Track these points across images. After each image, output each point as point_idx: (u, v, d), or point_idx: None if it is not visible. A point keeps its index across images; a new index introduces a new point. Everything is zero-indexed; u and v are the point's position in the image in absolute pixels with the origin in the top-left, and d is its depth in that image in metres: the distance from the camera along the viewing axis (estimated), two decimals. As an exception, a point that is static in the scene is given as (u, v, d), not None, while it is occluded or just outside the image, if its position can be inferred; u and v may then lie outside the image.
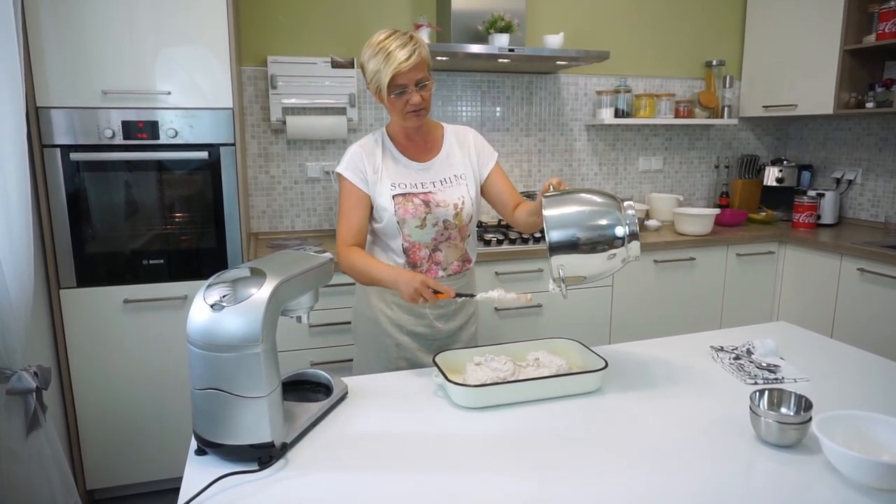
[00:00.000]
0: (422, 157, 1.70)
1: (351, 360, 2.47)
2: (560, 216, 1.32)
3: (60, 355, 2.23)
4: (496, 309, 2.67)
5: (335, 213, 2.87)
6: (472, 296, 1.51)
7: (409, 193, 1.64)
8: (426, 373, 1.46)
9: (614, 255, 1.32)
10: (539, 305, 2.72)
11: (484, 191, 1.78)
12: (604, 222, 1.31)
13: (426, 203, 1.65)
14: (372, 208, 1.67)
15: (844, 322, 2.80)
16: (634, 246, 1.32)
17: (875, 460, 0.97)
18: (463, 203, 1.68)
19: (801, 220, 3.24)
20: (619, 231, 1.31)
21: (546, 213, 1.32)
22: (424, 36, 2.69)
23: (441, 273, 1.71)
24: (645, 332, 2.88)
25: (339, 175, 1.67)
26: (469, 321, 1.82)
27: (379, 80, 1.53)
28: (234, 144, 2.29)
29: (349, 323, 2.44)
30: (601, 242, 1.31)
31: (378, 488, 1.02)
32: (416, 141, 1.71)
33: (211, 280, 1.11)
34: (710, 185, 3.73)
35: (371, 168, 1.65)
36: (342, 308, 2.45)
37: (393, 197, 1.63)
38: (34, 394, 1.67)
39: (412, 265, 1.69)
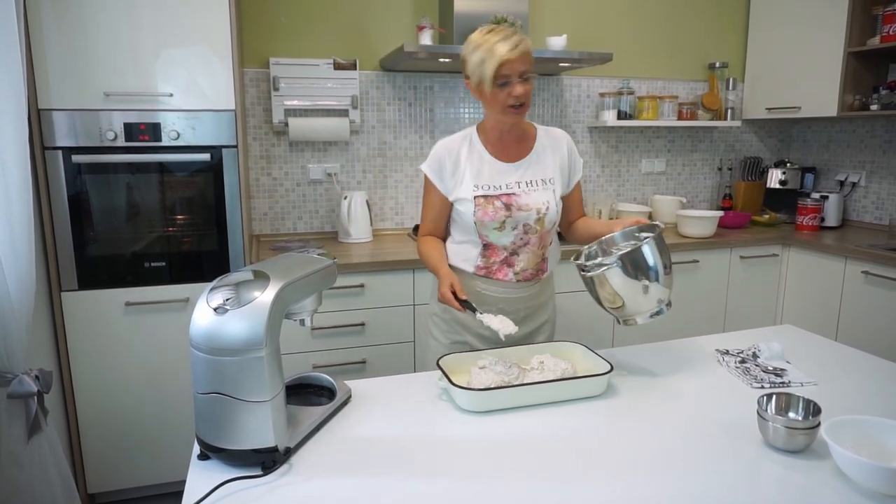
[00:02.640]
0: (511, 157, 1.67)
1: (355, 362, 2.48)
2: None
3: (62, 358, 2.23)
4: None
5: (337, 216, 2.87)
6: (475, 311, 1.51)
7: (491, 196, 1.62)
8: (430, 376, 1.45)
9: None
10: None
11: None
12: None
13: (507, 206, 1.62)
14: (452, 205, 1.68)
15: (849, 325, 2.78)
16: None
17: (885, 466, 0.96)
18: (547, 209, 1.65)
19: (804, 223, 3.23)
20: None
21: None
22: (427, 37, 2.69)
23: (511, 276, 1.68)
24: (648, 334, 2.86)
25: (423, 170, 1.70)
26: (542, 327, 1.80)
27: (482, 72, 1.50)
28: (236, 146, 2.29)
29: (352, 325, 2.45)
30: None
31: (382, 493, 1.01)
32: (508, 140, 1.67)
33: (214, 283, 1.11)
34: (712, 188, 3.72)
35: (452, 168, 1.64)
36: (344, 311, 2.44)
37: (474, 198, 1.62)
38: (35, 398, 1.66)
39: (485, 258, 1.67)
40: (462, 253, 1.70)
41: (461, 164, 1.64)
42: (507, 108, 1.55)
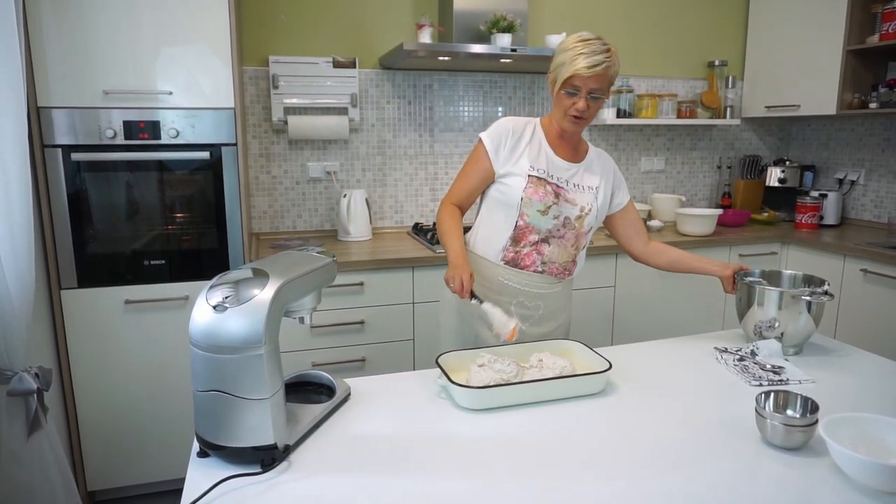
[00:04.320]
0: (567, 157, 1.73)
1: (354, 360, 2.49)
2: None
3: (61, 356, 2.23)
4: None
5: (336, 214, 2.87)
6: (480, 301, 1.52)
7: (544, 180, 1.66)
8: (430, 374, 1.46)
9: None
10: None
11: (617, 222, 1.82)
12: None
13: (556, 194, 1.66)
14: (492, 183, 1.71)
15: (847, 323, 2.79)
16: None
17: (882, 463, 0.96)
18: (590, 210, 1.70)
19: (803, 221, 3.23)
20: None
21: None
22: (426, 36, 2.69)
23: (539, 266, 1.70)
24: (647, 333, 2.87)
25: (479, 138, 1.71)
26: (555, 331, 1.81)
27: (557, 75, 1.58)
28: (235, 144, 2.29)
29: (351, 324, 2.45)
30: None
31: (381, 490, 1.01)
32: (565, 143, 1.73)
33: (213, 281, 1.11)
34: (712, 186, 3.73)
35: (512, 144, 1.68)
36: (344, 309, 2.44)
37: (528, 177, 1.65)
38: (35, 395, 1.66)
39: (515, 242, 1.69)
40: (490, 239, 1.72)
41: (521, 144, 1.69)
42: (567, 115, 1.61)
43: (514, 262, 1.70)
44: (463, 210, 1.75)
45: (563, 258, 1.72)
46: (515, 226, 1.67)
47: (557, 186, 1.67)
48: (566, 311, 1.85)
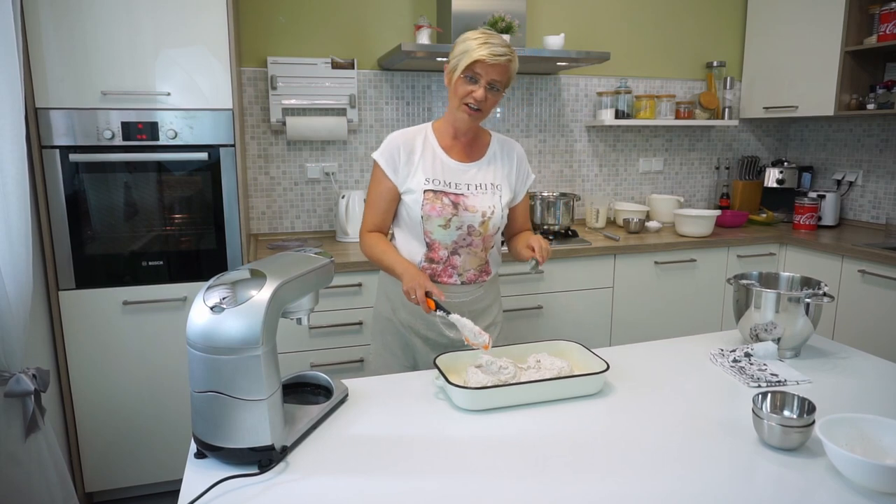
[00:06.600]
0: (463, 158, 1.70)
1: (353, 361, 2.49)
2: None
3: (59, 357, 2.23)
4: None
5: (335, 215, 2.87)
6: (447, 312, 1.49)
7: (441, 192, 1.64)
8: (427, 375, 1.46)
9: None
10: (540, 307, 2.71)
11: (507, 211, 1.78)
12: None
13: (455, 205, 1.64)
14: (400, 199, 1.68)
15: (845, 324, 2.79)
16: None
17: (879, 464, 0.97)
18: (493, 212, 1.68)
19: (801, 222, 3.23)
20: None
21: None
22: (424, 37, 2.69)
23: (456, 279, 1.70)
24: (646, 333, 2.87)
25: (374, 159, 1.69)
26: (486, 330, 1.77)
27: (459, 61, 1.55)
28: (233, 145, 2.29)
29: (349, 324, 2.45)
30: None
31: (379, 491, 1.01)
32: (461, 141, 1.70)
33: (211, 282, 1.11)
34: (710, 187, 3.73)
35: (406, 158, 1.65)
36: (342, 310, 2.44)
37: (424, 192, 1.63)
38: (33, 396, 1.66)
39: (430, 260, 1.69)
40: (407, 257, 1.70)
41: (415, 156, 1.66)
42: (464, 104, 1.59)
43: (432, 277, 1.69)
44: (385, 233, 1.72)
45: (476, 263, 1.72)
46: (426, 244, 1.67)
47: (456, 195, 1.65)
48: (494, 309, 1.84)
